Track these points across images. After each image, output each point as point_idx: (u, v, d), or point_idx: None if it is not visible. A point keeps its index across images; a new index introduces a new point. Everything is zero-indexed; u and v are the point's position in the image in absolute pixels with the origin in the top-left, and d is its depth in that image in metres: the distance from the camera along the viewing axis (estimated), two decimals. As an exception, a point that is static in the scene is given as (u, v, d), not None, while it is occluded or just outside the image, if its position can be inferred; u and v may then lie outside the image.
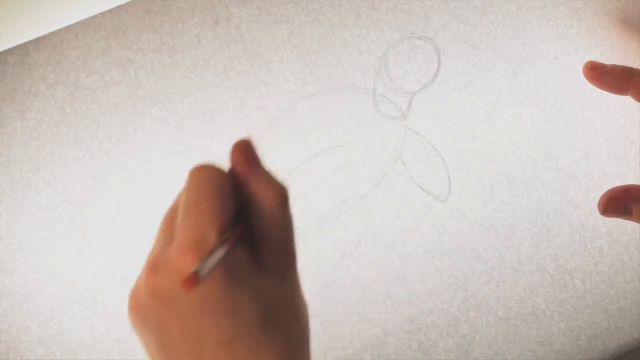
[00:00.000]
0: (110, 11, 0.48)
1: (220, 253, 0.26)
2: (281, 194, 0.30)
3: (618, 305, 0.48)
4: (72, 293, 0.46)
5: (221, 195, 0.29)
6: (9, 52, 0.47)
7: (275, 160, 0.48)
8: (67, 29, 0.48)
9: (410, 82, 0.49)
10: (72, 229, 0.46)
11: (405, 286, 0.47)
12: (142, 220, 0.47)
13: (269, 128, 0.48)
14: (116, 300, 0.46)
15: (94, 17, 0.48)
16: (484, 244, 0.48)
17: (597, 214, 0.42)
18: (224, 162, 0.31)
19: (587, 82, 0.43)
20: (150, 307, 0.28)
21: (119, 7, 0.48)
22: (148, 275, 0.28)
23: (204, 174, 0.29)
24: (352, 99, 0.48)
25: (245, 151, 0.30)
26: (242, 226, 0.29)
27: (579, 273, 0.48)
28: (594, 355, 0.48)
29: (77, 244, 0.46)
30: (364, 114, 0.48)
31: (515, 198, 0.48)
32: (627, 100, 0.42)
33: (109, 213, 0.47)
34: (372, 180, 0.48)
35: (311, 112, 0.48)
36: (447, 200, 0.48)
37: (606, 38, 0.50)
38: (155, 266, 0.28)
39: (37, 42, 0.48)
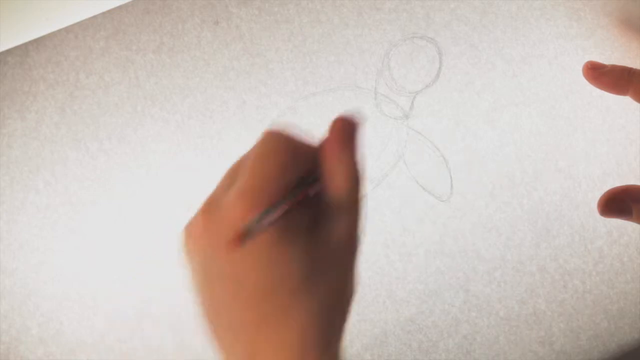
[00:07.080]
0: (110, 11, 0.48)
1: (276, 212, 0.26)
2: (353, 186, 0.29)
3: (618, 305, 0.48)
4: (72, 293, 0.46)
5: (294, 155, 0.28)
6: (9, 52, 0.47)
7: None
8: (67, 29, 0.48)
9: (412, 81, 0.49)
10: (72, 229, 0.46)
11: (405, 286, 0.47)
12: (142, 220, 0.47)
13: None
14: (116, 301, 0.46)
15: (94, 17, 0.48)
16: (485, 244, 0.48)
17: (597, 214, 0.42)
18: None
19: (586, 82, 0.43)
20: (198, 244, 0.28)
21: (119, 7, 0.48)
22: (203, 213, 0.28)
23: (281, 135, 0.29)
24: (353, 99, 0.48)
25: (346, 129, 0.29)
26: (306, 190, 0.28)
27: (578, 273, 0.48)
28: (594, 355, 0.48)
29: (77, 244, 0.46)
30: (365, 114, 0.48)
31: (516, 198, 0.48)
32: (627, 100, 0.42)
33: (109, 213, 0.47)
34: (373, 180, 0.48)
35: (311, 112, 0.48)
36: (448, 200, 0.48)
37: (606, 38, 0.50)
38: (211, 205, 0.28)
39: (37, 42, 0.48)
